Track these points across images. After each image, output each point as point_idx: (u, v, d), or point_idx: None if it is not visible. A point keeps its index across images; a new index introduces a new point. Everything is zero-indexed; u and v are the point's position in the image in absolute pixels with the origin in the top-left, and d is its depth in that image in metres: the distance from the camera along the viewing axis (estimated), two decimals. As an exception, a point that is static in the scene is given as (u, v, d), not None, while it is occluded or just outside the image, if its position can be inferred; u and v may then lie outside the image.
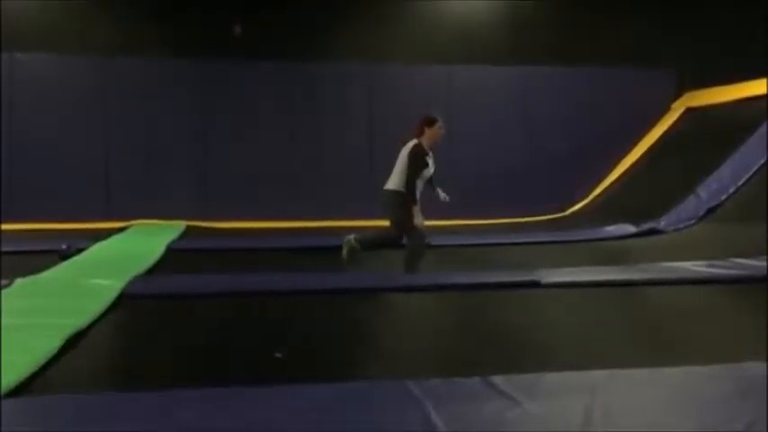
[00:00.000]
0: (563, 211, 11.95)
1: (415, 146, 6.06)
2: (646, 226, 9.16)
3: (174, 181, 11.67)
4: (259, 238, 9.39)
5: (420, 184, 6.06)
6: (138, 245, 8.05)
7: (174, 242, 8.39)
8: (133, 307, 4.80)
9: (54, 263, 6.37)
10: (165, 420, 2.55)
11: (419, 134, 6.12)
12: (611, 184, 12.18)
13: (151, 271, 6.33)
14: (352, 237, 6.23)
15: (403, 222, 6.04)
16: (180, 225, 10.27)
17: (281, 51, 11.79)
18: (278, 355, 3.58)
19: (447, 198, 6.35)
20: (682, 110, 12.56)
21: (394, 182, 6.09)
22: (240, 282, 5.68)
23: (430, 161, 6.13)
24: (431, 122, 6.13)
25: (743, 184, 9.46)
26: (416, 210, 5.98)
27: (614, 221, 9.63)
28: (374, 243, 6.29)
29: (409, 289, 5.45)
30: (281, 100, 11.95)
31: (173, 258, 7.24)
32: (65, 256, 6.89)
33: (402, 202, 5.99)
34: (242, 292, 5.27)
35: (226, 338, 4.15)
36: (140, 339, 4.24)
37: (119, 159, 11.57)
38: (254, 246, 8.54)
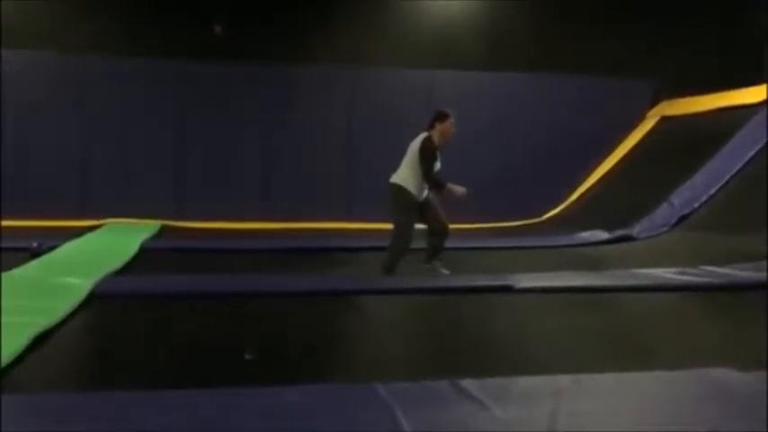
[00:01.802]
0: (538, 216, 12.02)
1: (426, 138, 6.03)
2: (619, 233, 9.24)
3: (152, 181, 11.59)
4: (234, 239, 9.34)
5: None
6: (110, 244, 7.97)
7: (147, 241, 8.32)
8: (103, 307, 4.76)
9: (25, 261, 6.29)
10: (132, 421, 2.53)
11: (430, 128, 6.10)
12: (587, 190, 12.28)
13: (123, 270, 6.27)
14: (438, 263, 6.23)
15: (398, 221, 6.04)
16: (155, 224, 10.20)
17: (262, 53, 11.75)
18: (247, 356, 3.56)
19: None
20: (657, 118, 12.70)
21: (400, 176, 6.06)
22: (211, 283, 5.64)
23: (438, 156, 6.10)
24: (443, 117, 6.11)
25: (714, 193, 9.59)
26: (452, 186, 6.00)
27: (589, 228, 9.71)
28: (438, 249, 6.26)
29: (382, 292, 5.44)
30: (261, 102, 11.90)
31: (146, 258, 7.18)
32: (35, 253, 6.81)
33: (405, 198, 5.98)
34: (213, 293, 5.24)
35: (195, 340, 4.13)
36: (109, 339, 4.20)
37: (96, 158, 11.46)
38: (229, 247, 8.50)
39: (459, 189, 6.04)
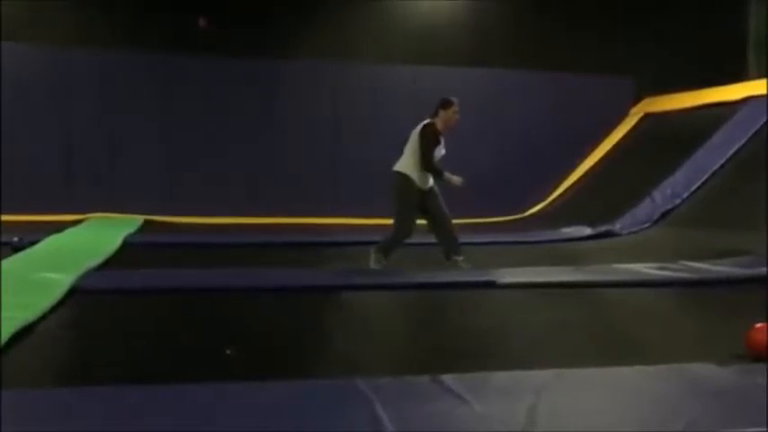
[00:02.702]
0: (521, 212, 12.06)
1: (427, 125, 6.04)
2: (602, 228, 9.30)
3: (138, 176, 11.54)
4: (217, 234, 9.31)
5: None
6: (93, 238, 7.91)
7: (130, 236, 8.27)
8: (84, 302, 4.72)
9: (5, 255, 6.23)
10: (114, 417, 2.52)
11: (434, 116, 6.10)
12: (570, 186, 12.33)
13: (105, 265, 6.23)
14: (458, 258, 6.16)
15: (400, 208, 6.03)
16: (138, 219, 10.14)
17: (248, 48, 11.71)
18: (228, 352, 3.55)
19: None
20: (640, 115, 12.78)
21: (402, 163, 6.04)
22: (194, 278, 5.61)
23: (442, 142, 6.09)
24: (446, 105, 6.11)
25: (696, 190, 9.67)
26: (449, 175, 5.98)
27: (572, 223, 9.76)
28: (453, 245, 6.20)
29: (364, 288, 5.44)
30: (247, 97, 11.87)
31: (128, 253, 7.14)
32: (16, 248, 6.76)
33: (407, 186, 5.96)
34: (195, 288, 5.21)
35: (177, 335, 4.11)
36: (90, 335, 4.17)
37: (82, 152, 11.39)
38: (212, 242, 8.47)
39: (456, 179, 6.03)
